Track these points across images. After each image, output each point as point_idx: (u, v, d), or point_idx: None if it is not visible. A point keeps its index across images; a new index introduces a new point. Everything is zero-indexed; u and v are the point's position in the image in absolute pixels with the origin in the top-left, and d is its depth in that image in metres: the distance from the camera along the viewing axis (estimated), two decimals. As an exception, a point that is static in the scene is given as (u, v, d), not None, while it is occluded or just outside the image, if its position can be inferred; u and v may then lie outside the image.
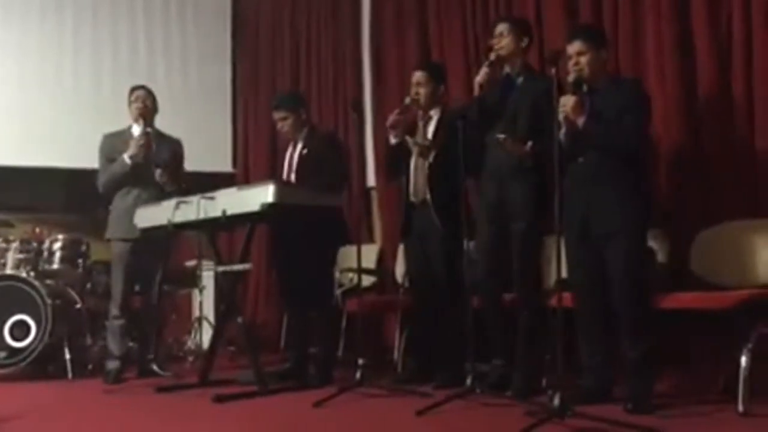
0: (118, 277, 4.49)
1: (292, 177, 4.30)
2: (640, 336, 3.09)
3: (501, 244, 3.57)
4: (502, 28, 3.62)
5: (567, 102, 3.13)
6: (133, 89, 4.63)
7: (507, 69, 3.65)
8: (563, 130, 3.17)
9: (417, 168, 3.99)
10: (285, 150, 4.50)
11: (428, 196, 3.91)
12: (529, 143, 3.39)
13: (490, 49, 3.62)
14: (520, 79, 3.61)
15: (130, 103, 4.59)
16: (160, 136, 4.64)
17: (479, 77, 3.54)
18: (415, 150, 3.96)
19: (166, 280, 4.81)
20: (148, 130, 4.53)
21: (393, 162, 4.12)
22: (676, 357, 3.50)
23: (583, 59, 3.23)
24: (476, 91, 3.57)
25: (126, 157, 4.44)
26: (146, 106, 4.56)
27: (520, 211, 3.50)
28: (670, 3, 3.77)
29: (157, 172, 4.44)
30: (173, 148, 4.66)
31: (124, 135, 4.58)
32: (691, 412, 3.00)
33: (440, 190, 3.86)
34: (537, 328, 3.47)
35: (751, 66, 3.50)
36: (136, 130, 4.55)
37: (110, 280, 4.63)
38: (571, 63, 3.25)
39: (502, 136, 3.41)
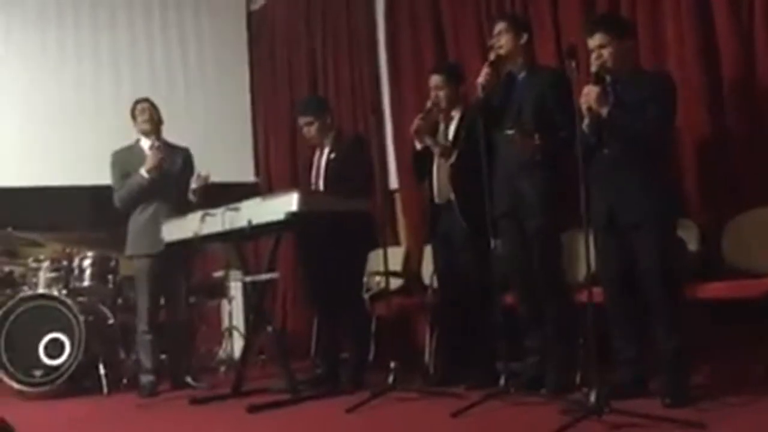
0: (143, 292, 4.52)
1: (321, 183, 4.30)
2: (674, 327, 3.05)
3: (520, 242, 3.55)
4: (500, 26, 3.62)
5: (590, 92, 3.09)
6: (137, 103, 4.64)
7: (510, 67, 3.64)
8: (586, 121, 3.14)
9: (440, 169, 3.98)
10: (310, 156, 4.50)
11: (452, 197, 3.90)
12: (536, 135, 3.36)
13: (491, 48, 3.61)
14: (522, 75, 3.61)
15: (135, 116, 4.60)
16: (169, 147, 4.65)
17: (480, 78, 3.52)
18: (436, 151, 3.95)
19: (194, 291, 4.83)
20: (158, 143, 4.54)
21: (420, 166, 4.10)
22: (711, 347, 3.44)
23: (605, 52, 3.17)
24: (479, 92, 3.55)
25: (144, 172, 4.47)
26: (153, 119, 4.58)
27: (534, 207, 3.48)
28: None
29: (192, 193, 4.39)
30: (183, 158, 4.67)
31: (133, 149, 4.61)
32: (730, 403, 2.94)
33: (463, 189, 3.84)
34: (565, 325, 3.45)
35: (774, 47, 3.44)
36: (145, 143, 4.58)
37: (135, 296, 4.65)
38: (593, 56, 3.20)
39: (511, 131, 3.38)
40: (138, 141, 4.63)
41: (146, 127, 4.56)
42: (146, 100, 4.65)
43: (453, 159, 3.90)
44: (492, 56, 3.58)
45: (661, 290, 3.06)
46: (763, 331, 3.11)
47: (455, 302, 4.01)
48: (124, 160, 4.60)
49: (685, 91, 3.66)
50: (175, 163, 4.60)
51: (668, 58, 3.82)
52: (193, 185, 4.40)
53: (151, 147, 4.51)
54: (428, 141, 3.94)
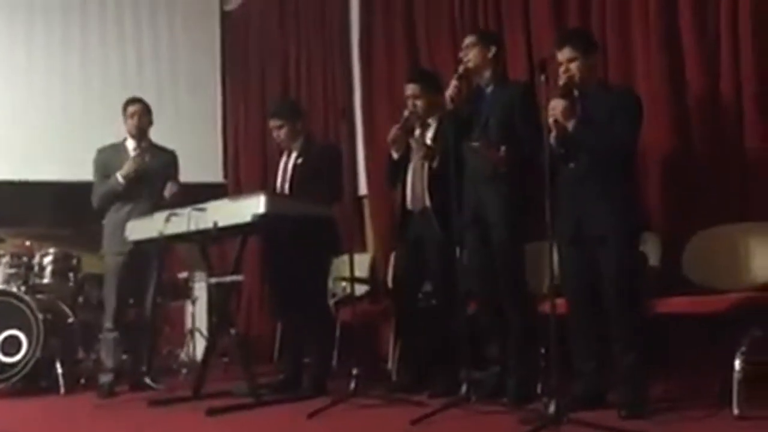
0: (111, 290, 4.47)
1: (286, 187, 4.28)
2: (633, 341, 3.08)
3: (484, 252, 3.57)
4: (468, 40, 3.67)
5: (556, 106, 3.12)
6: (129, 103, 4.59)
7: (478, 80, 3.67)
8: (553, 134, 3.17)
9: (414, 176, 3.97)
10: (277, 159, 4.48)
11: (428, 203, 3.89)
12: (503, 148, 3.39)
13: (461, 62, 3.64)
14: (489, 88, 3.64)
15: (126, 117, 4.56)
16: (155, 149, 4.61)
17: (449, 91, 3.55)
18: (419, 153, 3.93)
19: (159, 292, 4.77)
20: (143, 145, 4.51)
21: (395, 175, 4.09)
22: (670, 362, 3.48)
23: (574, 65, 3.22)
24: (448, 104, 3.58)
25: (119, 176, 4.43)
26: (142, 121, 4.54)
27: (497, 219, 3.50)
28: (657, 3, 3.76)
29: (168, 194, 4.39)
30: (168, 161, 4.63)
31: (118, 149, 4.57)
32: (686, 416, 2.98)
33: (440, 196, 3.84)
34: (528, 335, 3.47)
35: (738, 65, 3.49)
36: (131, 144, 4.55)
37: (102, 294, 4.60)
38: (561, 70, 3.24)
39: (476, 144, 3.42)
40: (124, 140, 4.60)
41: (133, 131, 4.53)
42: (139, 101, 4.59)
43: (436, 163, 3.88)
44: (460, 69, 3.61)
45: (621, 304, 3.09)
46: (720, 346, 3.15)
47: (414, 310, 4.00)
48: (107, 158, 4.56)
49: (652, 107, 3.71)
50: (157, 166, 4.53)
51: (636, 74, 3.87)
52: (166, 194, 4.39)
53: (135, 150, 4.48)
54: (411, 141, 3.94)
